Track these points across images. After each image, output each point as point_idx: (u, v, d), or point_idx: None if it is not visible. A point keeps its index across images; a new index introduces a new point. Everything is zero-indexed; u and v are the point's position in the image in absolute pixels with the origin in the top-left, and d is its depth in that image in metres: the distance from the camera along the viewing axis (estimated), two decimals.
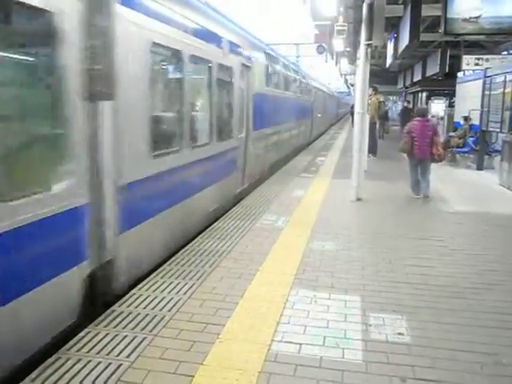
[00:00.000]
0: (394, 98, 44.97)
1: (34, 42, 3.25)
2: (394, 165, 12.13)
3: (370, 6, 7.72)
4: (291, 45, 29.58)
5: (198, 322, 3.51)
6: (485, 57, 14.76)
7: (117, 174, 3.97)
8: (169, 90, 5.66)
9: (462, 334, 3.41)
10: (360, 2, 8.64)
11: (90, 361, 2.96)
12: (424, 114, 8.68)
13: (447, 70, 16.43)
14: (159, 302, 3.83)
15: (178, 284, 4.21)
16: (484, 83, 11.88)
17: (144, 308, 3.72)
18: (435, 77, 18.57)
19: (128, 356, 3.03)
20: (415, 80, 23.10)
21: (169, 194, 5.15)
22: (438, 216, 7.09)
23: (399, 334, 3.39)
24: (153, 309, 3.71)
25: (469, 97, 14.09)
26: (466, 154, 12.98)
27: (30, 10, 2.92)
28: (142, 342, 3.20)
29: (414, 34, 9.42)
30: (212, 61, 6.44)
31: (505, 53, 16.16)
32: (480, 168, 11.87)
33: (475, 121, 12.71)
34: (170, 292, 4.04)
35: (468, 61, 14.83)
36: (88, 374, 2.82)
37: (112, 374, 2.82)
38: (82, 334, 3.30)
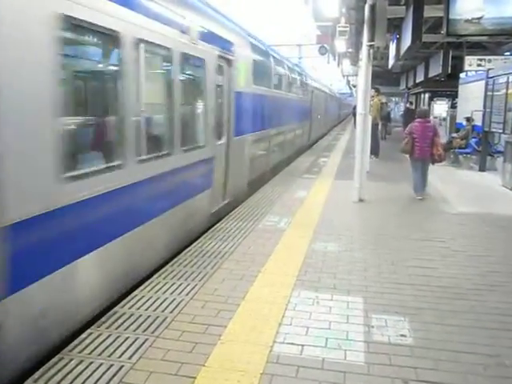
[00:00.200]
0: (396, 99, 44.96)
1: None
2: (396, 166, 12.11)
3: (372, 7, 7.71)
4: (293, 46, 29.61)
5: (199, 323, 3.51)
6: (487, 58, 14.75)
7: None
8: (97, 85, 4.46)
9: (464, 335, 3.40)
10: (362, 3, 8.66)
11: (92, 362, 2.96)
12: (425, 115, 8.78)
13: (450, 71, 16.43)
14: (161, 304, 3.83)
15: (180, 285, 4.21)
16: (486, 84, 11.85)
17: (146, 309, 3.72)
18: (438, 78, 18.57)
19: (130, 357, 3.03)
20: (418, 81, 23.08)
21: (91, 231, 3.68)
22: (440, 217, 7.08)
23: (402, 335, 3.38)
24: (155, 310, 3.71)
25: (471, 98, 14.06)
26: (469, 155, 12.95)
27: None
28: (143, 343, 3.20)
29: (416, 35, 9.42)
30: (172, 49, 5.03)
31: (507, 53, 16.12)
32: (482, 169, 11.84)
33: (478, 122, 12.69)
34: (171, 293, 4.04)
35: (470, 62, 14.82)
36: (90, 376, 2.82)
37: (114, 376, 2.82)
38: (84, 335, 3.30)
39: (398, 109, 44.22)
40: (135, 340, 3.24)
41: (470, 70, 15.62)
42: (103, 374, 2.84)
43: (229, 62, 7.12)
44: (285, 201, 7.89)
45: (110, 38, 3.96)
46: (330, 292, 4.14)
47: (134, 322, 3.51)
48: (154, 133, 5.06)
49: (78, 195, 3.44)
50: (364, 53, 8.10)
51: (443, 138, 14.42)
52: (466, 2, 8.26)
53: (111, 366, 2.93)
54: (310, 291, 4.14)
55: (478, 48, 15.64)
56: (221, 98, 6.92)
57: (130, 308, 3.74)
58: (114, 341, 3.23)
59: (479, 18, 8.16)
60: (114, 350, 3.11)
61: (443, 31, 8.51)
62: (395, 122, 29.33)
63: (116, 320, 3.53)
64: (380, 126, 15.47)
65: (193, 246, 5.38)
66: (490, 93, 11.57)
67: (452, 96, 18.73)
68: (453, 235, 6.04)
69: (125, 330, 3.40)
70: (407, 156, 8.76)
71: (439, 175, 10.56)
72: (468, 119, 13.41)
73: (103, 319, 3.55)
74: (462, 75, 16.83)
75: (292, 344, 3.23)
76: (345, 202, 7.93)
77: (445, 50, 16.03)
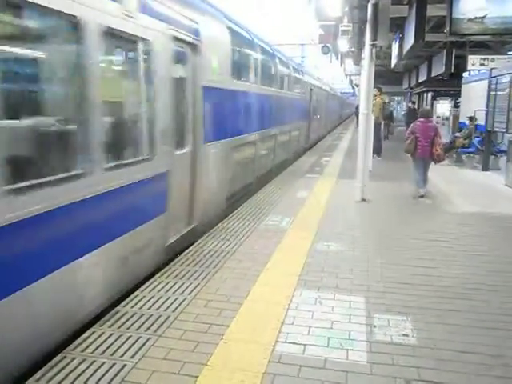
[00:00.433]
0: (399, 98, 44.88)
1: None
2: (398, 165, 12.09)
3: (375, 6, 7.70)
4: (296, 45, 29.60)
5: (202, 322, 3.51)
6: (490, 57, 14.70)
7: None
8: None
9: (467, 335, 3.40)
10: (365, 2, 8.63)
11: (94, 361, 2.97)
12: (428, 114, 8.83)
13: (453, 71, 16.36)
14: (164, 303, 3.83)
15: (182, 284, 4.21)
16: (490, 83, 11.83)
17: (148, 308, 3.73)
18: (440, 77, 18.50)
19: (132, 356, 3.03)
20: (420, 80, 23.01)
21: None
22: (443, 217, 7.06)
23: (404, 335, 3.38)
24: (157, 309, 3.72)
25: (474, 97, 14.03)
26: (472, 155, 12.93)
27: None
28: (146, 342, 3.20)
29: (419, 34, 9.40)
30: (88, 22, 3.46)
31: (510, 53, 16.06)
32: (486, 168, 11.81)
33: (481, 121, 12.66)
34: (174, 292, 4.04)
35: (473, 61, 14.77)
36: (92, 375, 2.83)
37: (116, 375, 2.83)
38: (86, 334, 3.31)
39: (400, 108, 44.12)
40: (137, 339, 3.24)
41: (473, 70, 15.57)
42: (105, 372, 2.85)
43: (194, 48, 5.61)
44: (287, 200, 7.89)
45: None
46: (332, 291, 4.13)
47: (137, 321, 3.52)
48: (50, 145, 3.46)
49: None
50: (367, 52, 8.08)
51: (446, 138, 14.48)
52: (469, 1, 8.23)
53: (113, 364, 2.93)
54: (312, 291, 4.13)
55: (481, 47, 15.58)
56: (182, 95, 5.39)
57: (132, 307, 3.75)
58: (116, 340, 3.24)
59: (482, 17, 8.13)
60: (117, 349, 3.11)
61: (446, 30, 8.48)
62: (398, 121, 29.27)
63: (118, 319, 3.54)
64: (383, 126, 15.45)
65: (195, 245, 5.38)
66: (493, 92, 11.54)
67: (455, 95, 18.67)
68: (456, 235, 6.03)
69: (127, 329, 3.40)
70: (409, 156, 8.77)
71: (442, 175, 10.55)
72: (471, 118, 13.38)
73: (106, 318, 3.55)
74: (465, 74, 16.79)
75: (294, 343, 3.23)
76: (347, 202, 7.92)
77: (448, 50, 15.97)
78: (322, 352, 3.13)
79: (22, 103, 3.19)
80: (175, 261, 4.84)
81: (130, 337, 3.28)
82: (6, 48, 3.04)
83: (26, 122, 3.13)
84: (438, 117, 19.54)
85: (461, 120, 15.76)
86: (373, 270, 4.68)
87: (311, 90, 17.71)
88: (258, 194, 8.46)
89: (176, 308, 3.74)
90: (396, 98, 44.39)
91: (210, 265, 4.72)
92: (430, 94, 23.47)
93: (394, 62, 15.15)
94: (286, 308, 3.77)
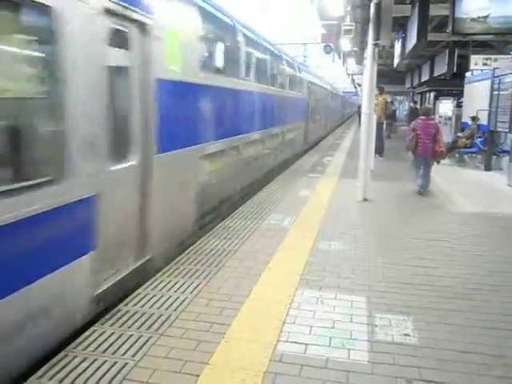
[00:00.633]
0: (401, 97, 44.84)
1: None
2: (400, 165, 12.07)
3: (378, 6, 7.69)
4: (299, 45, 29.58)
5: (203, 321, 3.51)
6: (493, 57, 14.66)
7: None
8: None
9: (468, 335, 3.40)
10: (367, 1, 8.63)
11: (95, 359, 2.97)
12: (428, 113, 9.08)
13: (455, 70, 16.34)
14: (165, 302, 3.83)
15: (183, 283, 4.21)
16: (492, 83, 11.80)
17: (150, 307, 3.73)
18: (443, 77, 18.48)
19: (134, 355, 3.04)
20: (423, 80, 22.99)
21: None
22: (444, 217, 7.05)
23: (405, 334, 3.38)
24: (159, 308, 3.72)
25: (477, 97, 14.01)
26: (474, 155, 12.91)
27: None
28: (147, 341, 3.21)
29: (421, 33, 9.38)
30: None
31: None
32: (488, 168, 11.79)
33: (483, 121, 12.64)
34: (175, 291, 4.04)
35: (476, 61, 14.74)
36: (94, 373, 2.83)
37: (118, 373, 2.83)
38: (88, 332, 3.32)
39: (402, 108, 44.07)
40: (139, 338, 3.25)
41: (476, 69, 15.54)
42: (107, 371, 2.85)
43: (143, 28, 4.32)
44: (289, 199, 7.88)
45: None
46: (333, 291, 4.13)
47: (138, 319, 3.52)
48: None
49: None
50: (369, 51, 8.08)
51: (448, 138, 14.48)
52: (472, 1, 8.20)
53: (115, 363, 2.94)
54: (314, 290, 4.13)
55: (483, 47, 15.55)
56: (123, 90, 4.19)
57: (133, 306, 3.75)
58: (117, 338, 3.24)
59: (485, 17, 8.11)
60: (118, 348, 3.12)
61: (449, 30, 8.46)
62: (400, 121, 29.24)
63: (120, 318, 3.54)
64: (385, 125, 15.43)
65: (196, 244, 5.38)
66: (495, 92, 11.51)
67: (457, 95, 18.63)
68: (457, 235, 6.02)
69: (129, 327, 3.41)
70: (411, 153, 8.93)
71: (444, 175, 10.54)
72: (473, 118, 13.36)
73: (107, 317, 3.56)
74: (467, 74, 16.76)
75: (296, 343, 3.23)
76: (349, 201, 7.91)
77: (450, 49, 15.95)
78: (324, 351, 3.13)
79: None
80: (176, 260, 4.85)
81: (131, 335, 3.28)
82: None
83: None
84: (440, 116, 19.48)
85: (463, 120, 15.73)
86: (374, 270, 4.68)
87: (309, 87, 16.37)
88: (260, 192, 8.46)
89: (177, 307, 3.74)
90: (398, 98, 44.34)
91: (212, 264, 4.73)
92: (432, 94, 23.42)
93: (396, 61, 15.13)
94: (288, 307, 3.77)
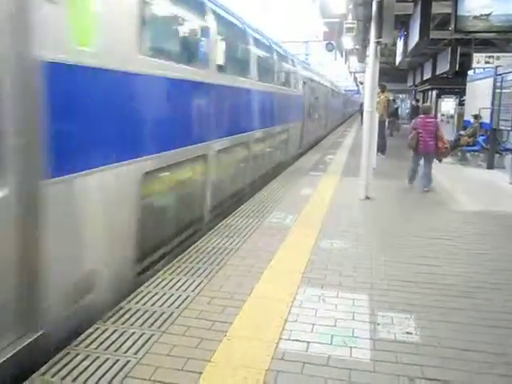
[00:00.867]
0: (403, 96, 44.78)
1: None
2: (403, 163, 12.02)
3: (380, 4, 7.67)
4: (300, 43, 29.55)
5: (205, 319, 3.51)
6: (495, 55, 14.64)
7: None
8: None
9: (471, 333, 3.39)
10: None
11: (98, 357, 2.98)
12: (428, 111, 9.31)
13: (457, 68, 16.32)
14: (167, 299, 3.84)
15: (186, 281, 4.22)
16: (495, 81, 11.78)
17: (152, 305, 3.74)
18: (445, 75, 18.45)
19: (136, 352, 3.04)
20: (425, 78, 22.95)
21: None
22: (447, 215, 7.04)
23: (407, 333, 3.38)
24: (161, 306, 3.72)
25: (479, 95, 13.98)
26: (476, 153, 12.88)
27: None
28: (149, 338, 3.21)
29: (423, 31, 9.40)
30: None
31: None
32: (490, 167, 11.77)
33: (486, 119, 12.61)
34: (178, 289, 4.05)
35: (478, 59, 14.72)
36: (96, 370, 2.83)
37: (120, 371, 2.83)
38: (90, 330, 3.32)
39: (404, 106, 44.03)
40: (141, 335, 3.25)
41: (478, 67, 15.52)
42: (109, 368, 2.86)
43: None
44: (291, 198, 7.88)
45: None
46: (335, 289, 4.13)
47: (140, 317, 3.53)
48: None
49: None
50: (371, 49, 8.06)
51: (451, 136, 14.47)
52: None
53: (117, 360, 2.94)
54: (316, 288, 4.13)
55: (486, 45, 15.52)
56: None
57: (136, 303, 3.76)
58: (120, 336, 3.25)
59: (488, 15, 8.12)
60: (120, 345, 3.12)
61: (451, 28, 8.48)
62: (402, 119, 29.18)
63: (122, 315, 3.55)
64: (388, 123, 15.42)
65: (199, 242, 5.39)
66: (498, 90, 11.48)
67: (460, 93, 18.61)
68: (460, 233, 6.01)
69: (131, 325, 3.41)
70: (412, 151, 9.10)
71: (447, 173, 10.52)
72: (476, 117, 13.33)
73: (109, 314, 3.56)
74: (469, 72, 16.73)
75: (297, 341, 3.23)
76: (351, 200, 7.91)
77: (453, 47, 15.92)
78: (326, 349, 3.13)
79: None
80: (178, 258, 4.85)
81: (133, 333, 3.29)
82: None
83: None
84: (442, 115, 19.46)
85: (466, 118, 15.70)
86: (376, 268, 4.68)
87: (306, 83, 14.83)
88: (261, 191, 8.45)
89: (179, 305, 3.74)
90: (400, 96, 44.29)
91: (214, 262, 4.73)
92: (434, 92, 23.41)
93: (398, 59, 15.14)
94: (290, 305, 3.77)
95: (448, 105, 20.11)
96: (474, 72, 16.57)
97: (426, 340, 3.28)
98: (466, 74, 16.71)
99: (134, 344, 3.14)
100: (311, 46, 32.18)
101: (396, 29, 10.64)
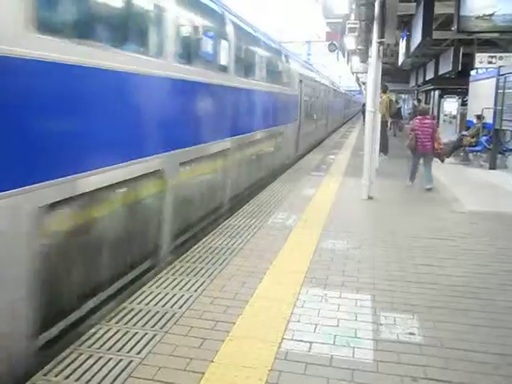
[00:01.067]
0: (405, 96, 44.73)
1: None
2: (405, 163, 12.04)
3: (383, 4, 7.66)
4: (302, 43, 29.55)
5: (208, 319, 3.51)
6: (498, 55, 14.59)
7: None
8: None
9: (474, 334, 3.38)
10: None
11: (101, 357, 2.98)
12: (425, 112, 9.52)
13: (460, 69, 16.28)
14: (170, 299, 3.84)
15: (188, 281, 4.22)
16: (497, 81, 11.75)
17: (155, 305, 3.74)
18: (448, 75, 18.41)
19: (139, 352, 3.04)
20: (427, 78, 22.91)
21: None
22: (450, 215, 7.03)
23: (410, 333, 3.37)
24: (163, 306, 3.73)
25: (482, 95, 13.95)
26: (479, 153, 12.85)
27: None
28: (152, 338, 3.22)
29: (426, 31, 9.38)
30: None
31: None
32: (493, 167, 11.74)
33: (488, 119, 12.59)
34: (180, 289, 4.05)
35: (481, 59, 14.66)
36: (99, 370, 2.84)
37: (123, 371, 2.84)
38: (93, 330, 3.33)
39: (407, 106, 43.99)
40: (144, 335, 3.25)
41: (481, 68, 15.47)
42: (112, 368, 2.86)
43: None
44: (293, 198, 7.88)
45: None
46: (338, 289, 4.12)
47: (143, 317, 3.53)
48: None
49: None
50: (374, 50, 8.05)
51: (453, 136, 14.46)
52: None
53: (120, 360, 2.94)
54: (319, 288, 4.13)
55: (488, 45, 15.48)
56: None
57: (138, 303, 3.76)
58: (123, 336, 3.25)
59: (491, 15, 8.08)
60: (123, 345, 3.13)
61: (454, 28, 8.43)
62: (404, 119, 29.13)
63: (125, 315, 3.55)
64: (390, 124, 15.39)
65: (201, 242, 5.39)
66: (501, 90, 11.46)
67: (462, 93, 18.57)
68: (463, 234, 6.00)
69: (134, 325, 3.41)
70: (410, 152, 9.35)
71: (449, 173, 10.51)
72: (478, 117, 13.31)
73: (112, 314, 3.57)
74: (472, 72, 16.69)
75: (300, 341, 3.23)
76: (354, 200, 7.90)
77: (455, 47, 15.88)
78: (328, 350, 3.13)
79: None
80: (181, 258, 4.85)
81: (136, 333, 3.29)
82: None
83: None
84: (445, 115, 19.42)
85: (468, 118, 15.67)
86: (379, 268, 4.67)
87: (302, 82, 13.47)
88: (264, 191, 8.45)
89: (182, 305, 3.75)
90: (403, 96, 44.25)
91: (217, 262, 4.73)
92: (437, 92, 23.36)
93: (401, 59, 15.11)
94: (293, 305, 3.77)
95: (451, 105, 20.05)
96: (477, 72, 16.54)
97: (429, 340, 3.27)
98: (469, 75, 16.67)
99: (136, 344, 3.14)
100: (313, 47, 32.19)
101: (398, 29, 10.63)
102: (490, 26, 8.22)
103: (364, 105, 20.14)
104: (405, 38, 13.22)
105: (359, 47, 16.54)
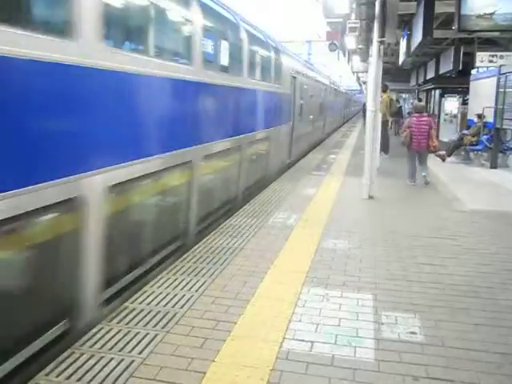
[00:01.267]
0: (406, 95, 44.69)
1: None
2: (406, 163, 12.04)
3: (383, 3, 7.66)
4: (302, 42, 29.55)
5: (209, 319, 3.51)
6: (499, 54, 14.57)
7: None
8: None
9: (476, 333, 3.38)
10: None
11: (102, 357, 2.98)
12: (421, 110, 9.71)
13: (461, 68, 16.26)
14: (171, 299, 3.84)
15: (189, 281, 4.22)
16: (498, 80, 11.74)
17: (156, 305, 3.74)
18: (448, 74, 18.39)
19: (140, 352, 3.04)
20: (428, 77, 22.87)
21: None
22: (451, 215, 7.02)
23: (412, 332, 3.37)
24: (165, 306, 3.73)
25: (483, 94, 13.93)
26: (480, 152, 12.84)
27: None
28: (154, 338, 3.22)
29: (427, 30, 9.36)
30: None
31: None
32: (494, 166, 11.72)
33: (489, 118, 12.57)
34: (182, 289, 4.05)
35: (482, 58, 14.64)
36: (101, 370, 2.84)
37: (124, 370, 2.84)
38: (94, 330, 3.33)
39: (407, 105, 43.96)
40: (145, 335, 3.25)
41: (482, 67, 15.44)
42: (114, 368, 2.86)
43: None
44: (294, 197, 7.87)
45: None
46: (339, 289, 4.12)
47: (145, 317, 3.53)
48: None
49: None
50: (374, 49, 8.05)
51: (454, 135, 14.44)
52: None
53: (122, 360, 2.94)
54: (320, 288, 4.13)
55: (489, 44, 15.45)
56: None
57: (140, 303, 3.76)
58: (124, 336, 3.25)
59: (491, 14, 8.07)
60: (125, 345, 3.13)
61: (455, 27, 8.43)
62: (405, 118, 29.09)
63: (126, 315, 3.55)
64: (391, 123, 15.38)
65: (202, 242, 5.39)
66: (501, 89, 11.45)
67: (463, 92, 18.55)
68: (464, 233, 5.99)
69: (135, 325, 3.41)
70: (406, 149, 9.58)
71: (450, 173, 10.51)
72: (479, 116, 13.29)
73: (113, 314, 3.57)
74: (473, 71, 16.67)
75: (302, 340, 3.22)
76: (354, 199, 7.90)
77: (456, 46, 15.84)
78: (330, 349, 3.12)
79: None
80: (182, 257, 4.85)
81: (137, 333, 3.29)
82: None
83: None
84: (446, 114, 19.41)
85: (469, 117, 15.65)
86: (380, 268, 4.67)
87: (295, 79, 12.02)
88: (265, 191, 8.45)
89: (184, 304, 3.75)
90: (403, 95, 44.22)
91: (218, 261, 4.73)
92: (437, 91, 23.33)
93: (401, 59, 15.08)
94: (294, 305, 3.76)
95: (451, 104, 20.02)
96: (478, 71, 16.51)
97: (430, 340, 3.27)
98: (470, 74, 16.64)
99: (138, 344, 3.14)
100: (313, 46, 32.18)
101: (399, 28, 10.61)
102: (491, 24, 8.21)
103: (364, 105, 20.11)
104: (405, 37, 13.19)
105: (360, 46, 16.52)
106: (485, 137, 12.54)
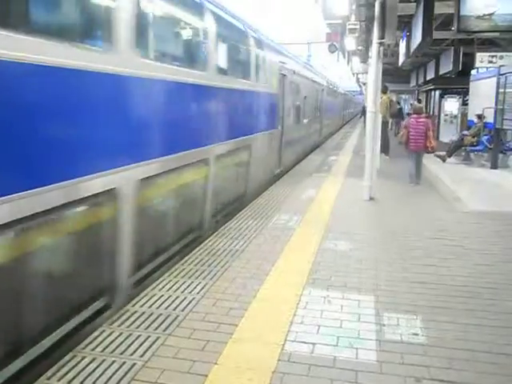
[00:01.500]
0: (406, 96, 44.71)
1: None
2: (406, 164, 12.03)
3: (383, 4, 7.66)
4: (302, 44, 29.55)
5: (211, 321, 3.51)
6: (499, 54, 14.58)
7: None
8: None
9: (478, 334, 3.37)
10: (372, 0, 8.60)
11: (104, 360, 2.98)
12: (419, 111, 9.84)
13: (460, 68, 16.27)
14: (172, 302, 3.84)
15: (191, 283, 4.21)
16: (498, 81, 11.74)
17: (157, 308, 3.74)
18: (448, 75, 18.41)
19: (142, 355, 3.04)
20: (428, 78, 22.89)
21: None
22: (452, 215, 7.01)
23: (414, 334, 3.36)
24: (166, 308, 3.72)
25: (483, 95, 13.94)
26: (480, 153, 12.83)
27: None
28: (155, 341, 3.21)
29: (426, 31, 9.36)
30: None
31: None
32: (494, 167, 11.72)
33: (489, 119, 12.57)
34: (183, 291, 4.04)
35: (482, 58, 14.66)
36: (103, 373, 2.83)
37: (126, 373, 2.83)
38: (96, 333, 3.32)
39: (407, 106, 43.99)
40: (147, 338, 3.25)
41: (482, 67, 15.46)
42: (116, 371, 2.86)
43: None
44: (295, 199, 7.87)
45: None
46: (341, 290, 4.12)
47: (146, 320, 3.52)
48: None
49: None
50: (374, 50, 8.05)
51: (454, 136, 14.44)
52: None
53: (123, 363, 2.94)
54: (321, 290, 4.12)
55: (489, 45, 15.46)
56: None
57: (141, 306, 3.76)
58: (125, 339, 3.25)
59: (491, 14, 8.08)
60: (126, 348, 3.12)
61: (454, 28, 8.44)
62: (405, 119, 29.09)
63: (128, 318, 3.55)
64: (391, 124, 15.38)
65: (203, 244, 5.38)
66: (501, 90, 11.45)
67: (463, 93, 18.56)
68: (465, 233, 5.99)
69: (137, 328, 3.41)
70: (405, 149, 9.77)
71: (451, 173, 10.50)
72: (479, 116, 13.29)
73: (115, 317, 3.56)
74: (473, 72, 16.67)
75: (303, 342, 3.22)
76: (355, 201, 7.90)
77: (455, 47, 15.87)
78: (332, 351, 3.12)
79: None
80: (184, 260, 4.85)
81: (139, 336, 3.29)
82: None
83: None
84: (446, 115, 19.42)
85: (469, 118, 15.65)
86: (382, 269, 4.66)
87: (285, 77, 10.62)
88: (266, 192, 8.44)
89: (185, 307, 3.74)
90: (403, 96, 44.23)
91: (219, 264, 4.73)
92: (437, 92, 23.33)
93: (401, 59, 15.11)
94: (295, 307, 3.76)
95: (451, 105, 20.02)
96: (477, 72, 16.52)
97: (432, 341, 3.26)
98: (470, 74, 16.65)
99: (139, 347, 3.14)
100: (313, 47, 32.18)
101: (398, 29, 10.63)
102: (490, 25, 8.22)
103: (364, 106, 20.11)
104: (405, 38, 13.22)
105: (359, 48, 16.54)
106: (485, 137, 12.53)
